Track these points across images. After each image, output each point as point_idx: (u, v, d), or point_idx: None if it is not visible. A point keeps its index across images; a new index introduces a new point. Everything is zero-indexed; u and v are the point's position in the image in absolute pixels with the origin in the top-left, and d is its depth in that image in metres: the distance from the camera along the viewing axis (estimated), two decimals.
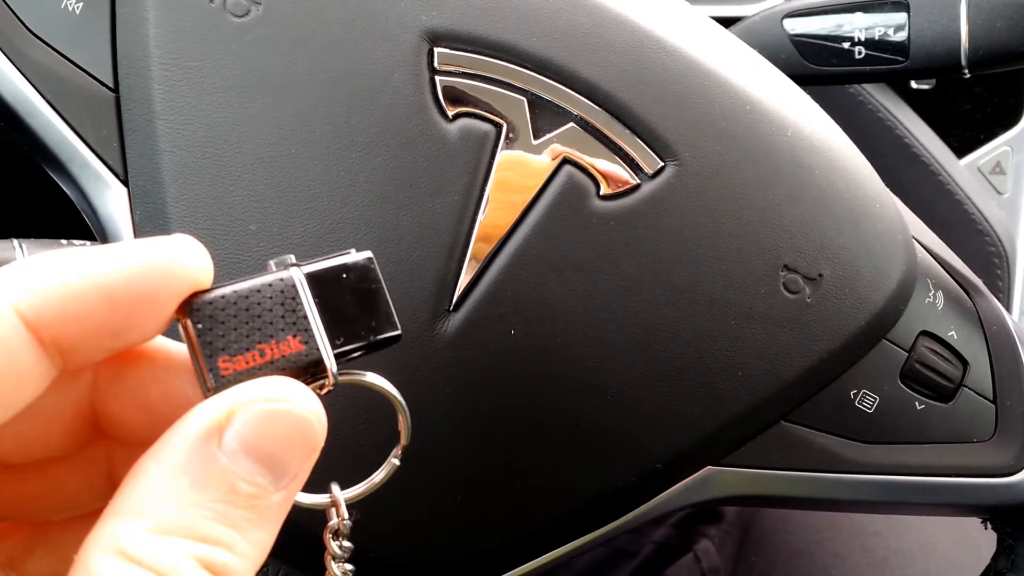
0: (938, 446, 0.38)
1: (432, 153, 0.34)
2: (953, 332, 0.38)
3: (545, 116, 0.35)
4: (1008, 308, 0.62)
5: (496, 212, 0.35)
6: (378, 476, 0.26)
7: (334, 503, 0.25)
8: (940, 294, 0.39)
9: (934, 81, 0.67)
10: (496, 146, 0.35)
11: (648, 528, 0.59)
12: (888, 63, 0.49)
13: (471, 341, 0.34)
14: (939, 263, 0.40)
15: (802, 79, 0.40)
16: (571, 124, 0.35)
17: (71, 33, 0.34)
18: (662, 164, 0.35)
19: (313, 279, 0.23)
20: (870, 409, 0.37)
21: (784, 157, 0.36)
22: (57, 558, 0.24)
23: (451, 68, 0.35)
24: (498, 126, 0.35)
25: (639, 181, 0.35)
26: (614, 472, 0.35)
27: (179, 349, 0.23)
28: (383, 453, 0.26)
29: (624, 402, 0.35)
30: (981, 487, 0.38)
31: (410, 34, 0.35)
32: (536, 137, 0.35)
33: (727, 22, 0.43)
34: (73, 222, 0.38)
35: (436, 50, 0.35)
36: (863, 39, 0.49)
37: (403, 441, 0.26)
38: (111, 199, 0.34)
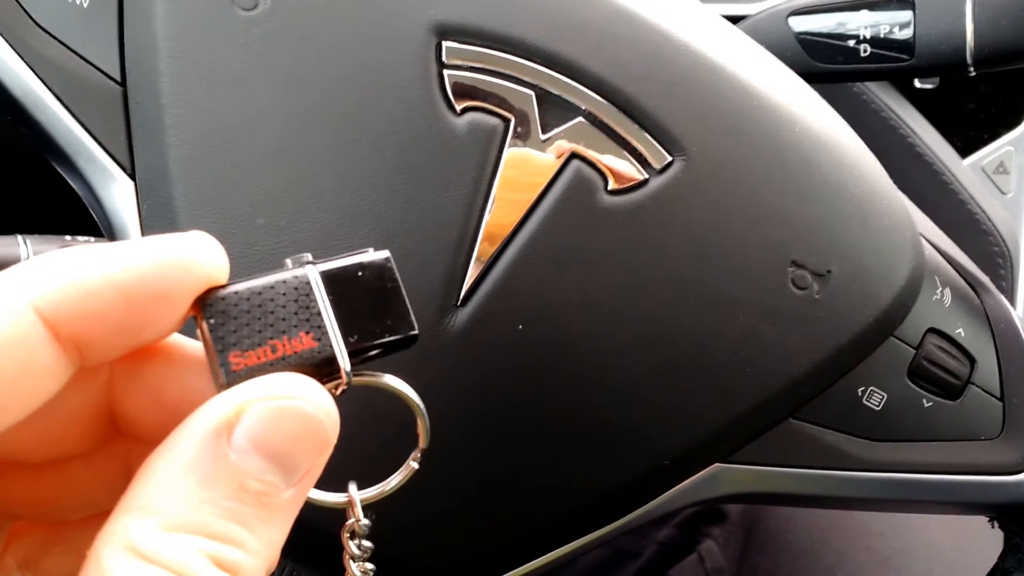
0: (945, 444, 0.38)
1: (440, 147, 0.34)
2: (961, 329, 0.38)
3: (553, 110, 0.35)
4: (1012, 307, 0.62)
5: (502, 211, 0.34)
6: (396, 479, 0.26)
7: (350, 503, 0.25)
8: (948, 291, 0.39)
9: (938, 80, 0.67)
10: (504, 140, 0.35)
11: (652, 528, 0.58)
12: (893, 61, 0.49)
13: (478, 337, 0.34)
14: (947, 260, 0.40)
15: (807, 77, 0.40)
16: (579, 119, 0.35)
17: (78, 27, 0.34)
18: (670, 159, 0.35)
19: (328, 277, 0.23)
20: (877, 406, 0.37)
21: (792, 153, 0.36)
22: (74, 557, 0.24)
23: (459, 62, 0.35)
24: (506, 120, 0.35)
25: (647, 176, 0.35)
26: (621, 469, 0.35)
27: (195, 347, 0.23)
28: (399, 453, 0.26)
29: (631, 398, 0.35)
30: (988, 485, 0.38)
31: (418, 28, 0.35)
32: (544, 132, 0.35)
33: (732, 20, 0.43)
34: (78, 217, 0.38)
35: (444, 44, 0.35)
36: (868, 37, 0.49)
37: (422, 444, 0.25)
38: (118, 193, 0.34)
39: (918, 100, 0.67)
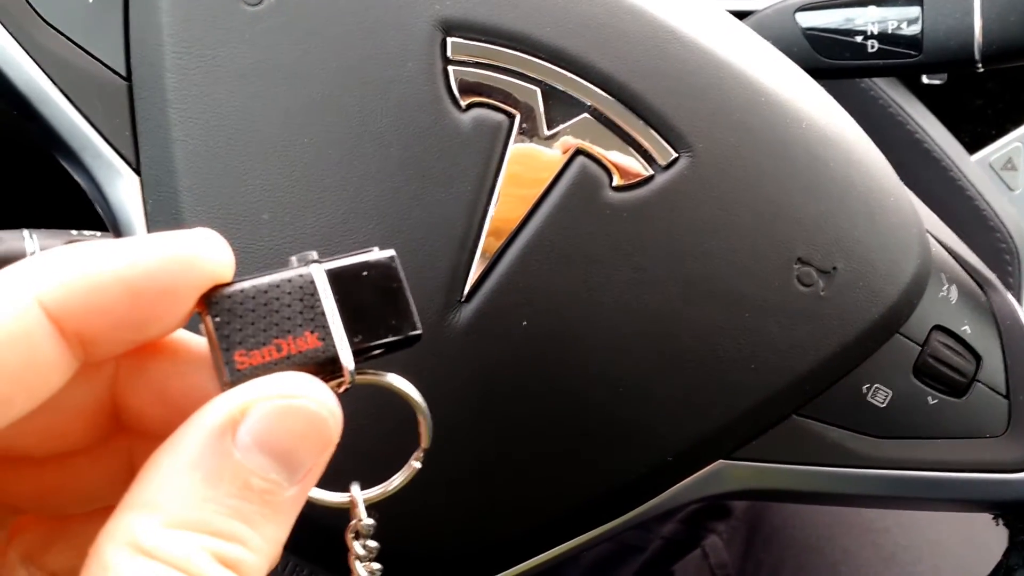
0: (950, 441, 0.38)
1: (445, 143, 0.34)
2: (967, 327, 0.38)
3: (559, 106, 0.35)
4: (1019, 305, 0.62)
5: (506, 206, 0.34)
6: (398, 479, 0.26)
7: (353, 503, 0.25)
8: (954, 288, 0.39)
9: (946, 76, 0.67)
10: (509, 136, 0.35)
11: (656, 524, 0.58)
12: (901, 57, 0.48)
13: (483, 332, 0.34)
14: (953, 257, 0.40)
15: (814, 73, 0.40)
16: (585, 115, 0.35)
17: (84, 21, 0.34)
18: (676, 155, 0.35)
19: (333, 276, 0.23)
20: (882, 403, 0.37)
21: (799, 149, 0.36)
22: (77, 553, 0.24)
23: (464, 58, 0.35)
24: (511, 116, 0.35)
25: (653, 172, 0.35)
26: (625, 465, 0.35)
27: (200, 343, 0.23)
28: (403, 453, 0.26)
29: (636, 394, 0.35)
30: (993, 483, 0.38)
31: (423, 23, 0.35)
32: (549, 128, 0.35)
33: (739, 16, 0.43)
34: (83, 212, 0.38)
35: (449, 39, 0.35)
36: (876, 33, 0.49)
37: (424, 444, 0.26)
38: (123, 188, 0.34)
39: (926, 96, 0.67)
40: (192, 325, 0.23)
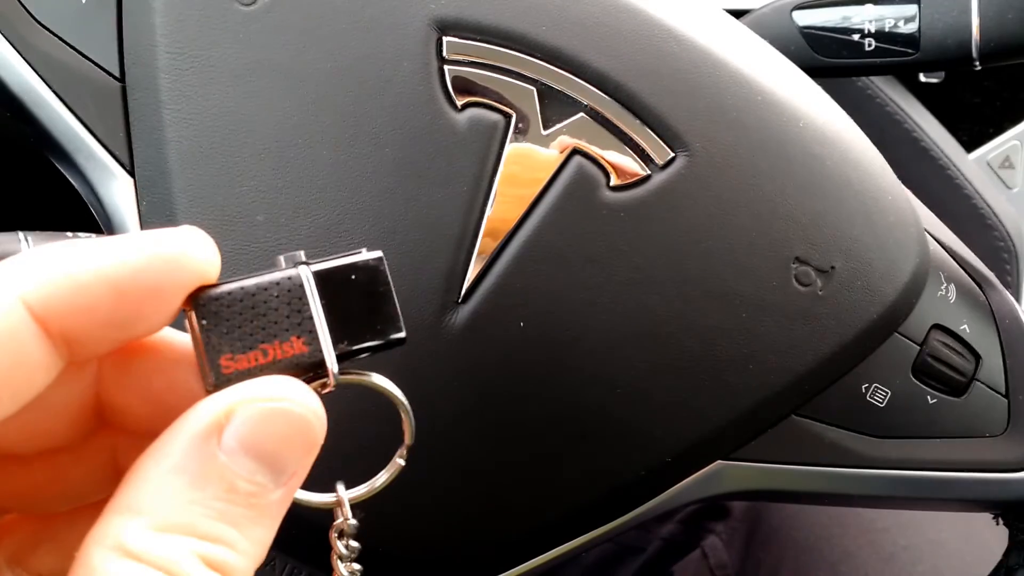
0: (950, 441, 0.38)
1: (441, 143, 0.34)
2: (965, 326, 0.38)
3: (555, 106, 0.35)
4: (1017, 303, 0.62)
5: (503, 206, 0.34)
6: (382, 477, 0.26)
7: (339, 503, 0.25)
8: (952, 287, 0.38)
9: (943, 74, 0.67)
10: (505, 136, 0.34)
11: (655, 524, 0.58)
12: (898, 55, 0.48)
13: (480, 333, 0.34)
14: (951, 256, 0.40)
15: (811, 71, 0.40)
16: (581, 114, 0.35)
17: (77, 22, 0.34)
18: (673, 155, 0.35)
19: (321, 278, 0.23)
20: (881, 403, 0.37)
21: (796, 148, 0.36)
22: (62, 555, 0.24)
23: (460, 57, 0.35)
24: (507, 116, 0.34)
25: (649, 172, 0.35)
26: (624, 466, 0.35)
27: (184, 341, 0.23)
28: (388, 451, 0.26)
29: (634, 395, 0.35)
30: (993, 482, 0.38)
31: (419, 23, 0.34)
32: (546, 127, 0.35)
33: (736, 14, 0.43)
34: (78, 214, 0.38)
35: (445, 39, 0.35)
36: (873, 31, 0.48)
37: (407, 441, 0.25)
38: (117, 190, 0.34)
39: (923, 94, 0.67)
40: (177, 322, 0.22)
